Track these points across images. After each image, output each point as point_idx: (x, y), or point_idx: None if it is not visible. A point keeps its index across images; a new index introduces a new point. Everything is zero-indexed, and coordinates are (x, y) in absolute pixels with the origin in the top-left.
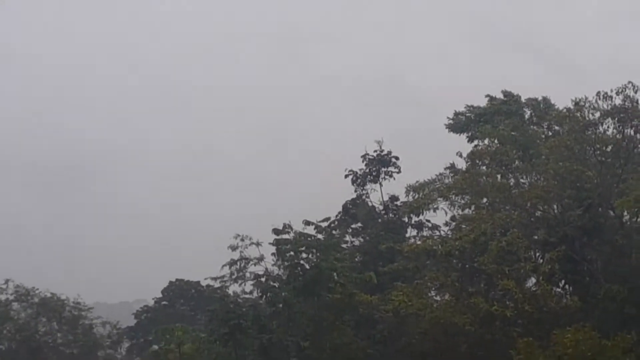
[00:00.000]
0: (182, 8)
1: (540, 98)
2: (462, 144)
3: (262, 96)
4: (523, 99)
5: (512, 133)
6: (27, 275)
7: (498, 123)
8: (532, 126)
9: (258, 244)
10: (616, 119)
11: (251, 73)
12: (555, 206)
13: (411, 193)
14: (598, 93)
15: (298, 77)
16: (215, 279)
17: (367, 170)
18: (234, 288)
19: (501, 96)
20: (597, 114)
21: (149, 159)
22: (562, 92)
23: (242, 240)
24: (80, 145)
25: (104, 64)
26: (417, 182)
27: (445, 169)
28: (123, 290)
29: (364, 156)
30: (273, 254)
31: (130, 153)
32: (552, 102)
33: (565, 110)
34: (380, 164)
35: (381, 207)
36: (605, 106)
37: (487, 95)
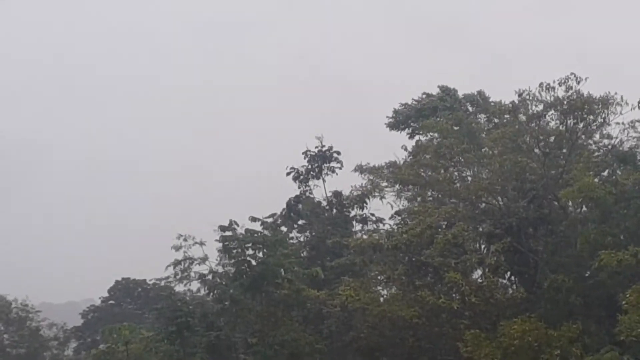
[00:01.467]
0: None
1: (475, 92)
2: (400, 143)
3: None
4: (460, 94)
5: (455, 127)
6: None
7: (439, 118)
8: (474, 118)
9: (202, 244)
10: (559, 110)
11: (177, 67)
12: (500, 198)
13: (358, 173)
14: (541, 84)
15: (226, 74)
16: (160, 279)
17: (309, 167)
18: (179, 288)
19: (437, 91)
20: (541, 106)
21: (83, 157)
22: (488, 82)
23: (185, 240)
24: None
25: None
26: (367, 163)
27: (388, 165)
28: (70, 291)
29: (305, 152)
30: (219, 250)
31: (64, 150)
32: (487, 94)
33: (509, 103)
34: (322, 160)
35: (325, 203)
36: (547, 97)
37: (424, 93)
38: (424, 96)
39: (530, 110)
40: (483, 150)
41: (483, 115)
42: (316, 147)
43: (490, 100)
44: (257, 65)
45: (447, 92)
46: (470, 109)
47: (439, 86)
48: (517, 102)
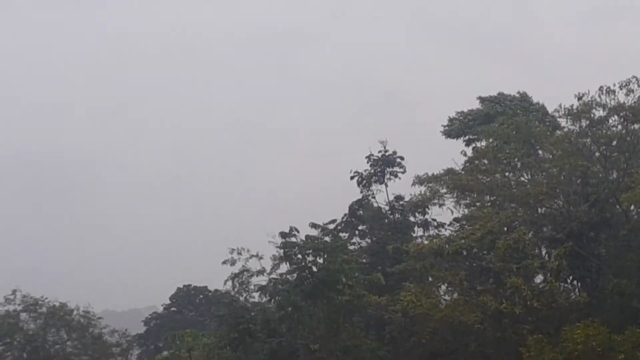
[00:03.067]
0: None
1: (517, 95)
2: (453, 150)
3: (245, 100)
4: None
5: (513, 132)
6: (35, 285)
7: (499, 124)
8: (535, 122)
9: (259, 257)
10: (622, 116)
11: (233, 78)
12: (560, 202)
13: (417, 185)
14: (601, 88)
15: (283, 79)
16: (219, 292)
17: (372, 171)
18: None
19: (491, 99)
20: (601, 110)
21: (146, 170)
22: (534, 90)
23: (240, 253)
24: (77, 158)
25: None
26: (425, 174)
27: (446, 172)
28: (133, 298)
29: (368, 157)
30: (278, 258)
31: (128, 170)
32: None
33: (568, 107)
34: (385, 164)
35: (387, 208)
36: (608, 101)
37: (479, 98)
38: (478, 103)
39: (592, 115)
40: (543, 154)
41: (538, 121)
42: (379, 152)
43: (536, 102)
44: (303, 76)
45: (501, 98)
46: (519, 112)
47: (497, 94)
48: (577, 105)
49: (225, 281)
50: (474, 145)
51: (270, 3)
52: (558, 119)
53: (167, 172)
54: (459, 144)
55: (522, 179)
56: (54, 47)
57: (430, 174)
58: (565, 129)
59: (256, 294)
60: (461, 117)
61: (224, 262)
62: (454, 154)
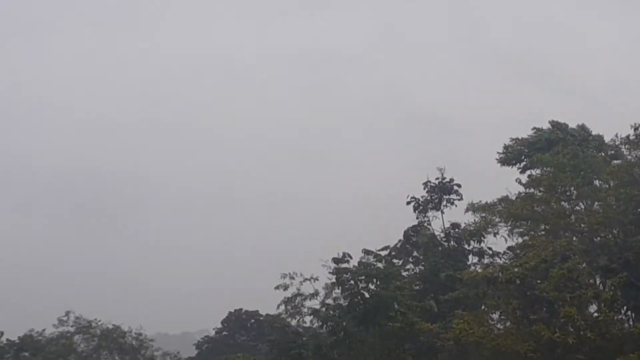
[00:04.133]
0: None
1: (577, 127)
2: (505, 177)
3: (292, 123)
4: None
5: (570, 161)
6: (88, 307)
7: (556, 152)
8: (590, 151)
9: (312, 280)
10: None
11: (279, 97)
12: (616, 232)
13: (470, 212)
14: None
15: (329, 102)
16: (272, 316)
17: (429, 198)
18: (292, 322)
19: (547, 127)
20: None
21: (196, 191)
22: (576, 118)
23: (292, 278)
24: (125, 181)
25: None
26: (479, 201)
27: (500, 199)
28: (186, 322)
29: (425, 183)
30: (330, 283)
31: (178, 189)
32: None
33: (625, 137)
34: (442, 191)
35: (443, 235)
36: None
37: (534, 128)
38: (533, 131)
39: None
40: (598, 183)
41: (594, 150)
42: (437, 179)
43: (594, 133)
44: (352, 99)
45: (558, 127)
46: (578, 143)
47: (550, 122)
48: (632, 135)
49: (278, 305)
50: (529, 172)
51: (316, 25)
52: (614, 149)
53: (217, 193)
54: (506, 170)
55: (578, 208)
56: (106, 68)
57: (483, 202)
58: (622, 159)
59: (308, 318)
60: (516, 144)
61: (277, 288)
62: (502, 181)
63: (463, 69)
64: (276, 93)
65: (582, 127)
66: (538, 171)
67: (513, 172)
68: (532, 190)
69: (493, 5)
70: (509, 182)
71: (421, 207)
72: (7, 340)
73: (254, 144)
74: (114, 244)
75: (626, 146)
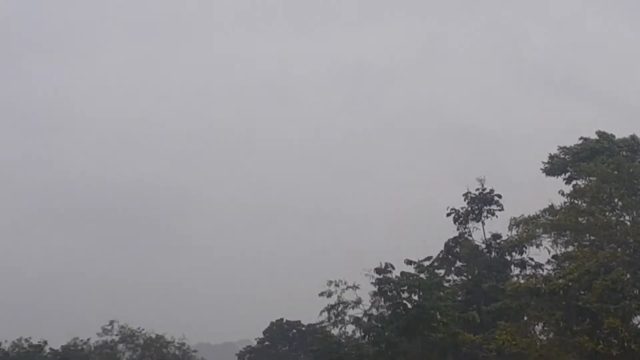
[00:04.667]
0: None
1: (628, 137)
2: (547, 189)
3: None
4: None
5: (614, 172)
6: (132, 318)
7: (598, 162)
8: (635, 162)
9: (355, 287)
10: None
11: (320, 111)
12: None
13: (514, 228)
14: None
15: (366, 115)
16: (315, 324)
17: (469, 209)
18: (334, 332)
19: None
20: None
21: (238, 204)
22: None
23: (337, 285)
24: (167, 190)
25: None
26: (521, 215)
27: (544, 210)
28: (228, 332)
29: (465, 194)
30: (373, 294)
31: (220, 199)
32: None
33: None
34: (482, 202)
35: (484, 246)
36: None
37: (581, 138)
38: (580, 141)
39: None
40: None
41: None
42: (477, 190)
43: None
44: (387, 113)
45: (604, 137)
46: (625, 153)
47: (596, 132)
48: None
49: (321, 312)
50: (574, 183)
51: (356, 38)
52: None
53: (256, 206)
54: (549, 181)
55: (622, 219)
56: (142, 78)
57: (526, 215)
58: None
59: (350, 326)
60: (562, 154)
61: (321, 294)
62: (543, 193)
63: (500, 82)
64: (318, 106)
65: (633, 138)
66: (583, 181)
67: (556, 183)
68: (576, 201)
69: (531, 17)
70: (551, 194)
71: (461, 219)
72: (51, 349)
73: (296, 157)
74: (156, 253)
75: None
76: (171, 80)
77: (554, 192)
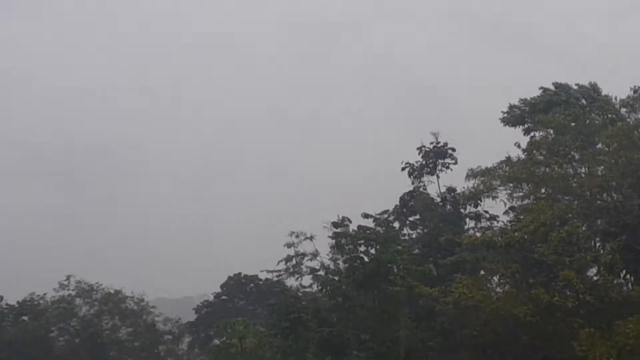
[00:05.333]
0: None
1: (588, 85)
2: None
3: (286, 90)
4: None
5: (571, 123)
6: (88, 272)
7: (555, 113)
8: (589, 114)
9: (312, 238)
10: None
11: (275, 65)
12: (615, 195)
13: (471, 178)
14: None
15: (323, 68)
16: (271, 271)
17: (424, 162)
18: (290, 282)
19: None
20: None
21: (188, 160)
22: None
23: (297, 236)
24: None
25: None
26: (478, 167)
27: (501, 162)
28: (186, 286)
29: (419, 148)
30: (331, 247)
31: (170, 155)
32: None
33: (625, 99)
34: (436, 156)
35: (439, 199)
36: None
37: (541, 88)
38: (540, 91)
39: None
40: (598, 146)
41: (597, 111)
42: (431, 143)
43: (603, 93)
44: (343, 67)
45: (561, 88)
46: (584, 102)
47: (553, 83)
48: (632, 98)
49: (279, 262)
50: (532, 134)
51: None
52: (615, 112)
53: (210, 162)
54: (506, 133)
55: (579, 171)
56: (97, 37)
57: (483, 167)
58: (623, 122)
59: (307, 279)
60: (522, 105)
61: (286, 245)
62: (501, 145)
63: (452, 37)
64: (273, 61)
65: (592, 86)
66: (540, 133)
67: (515, 134)
68: (533, 152)
69: None
70: (508, 146)
71: (416, 172)
72: (7, 304)
73: (250, 112)
74: (109, 210)
75: (626, 108)
76: (118, 38)
77: (511, 144)
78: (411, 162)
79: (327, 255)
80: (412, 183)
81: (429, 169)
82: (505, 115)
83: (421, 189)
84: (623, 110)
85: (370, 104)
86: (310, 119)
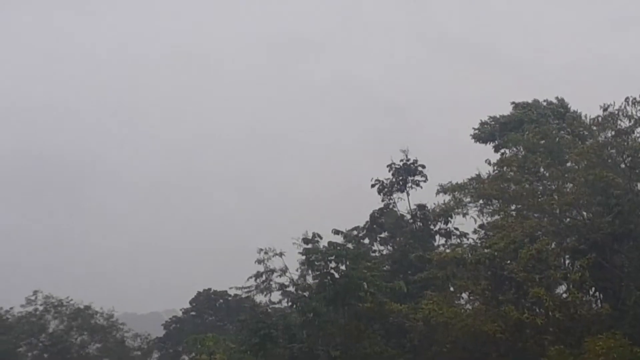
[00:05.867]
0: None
1: (556, 101)
2: (481, 156)
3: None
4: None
5: (541, 141)
6: (56, 288)
7: (525, 131)
8: (558, 132)
9: (281, 255)
10: None
11: (244, 82)
12: (584, 213)
13: (441, 194)
14: (627, 99)
15: (293, 86)
16: (241, 288)
17: (394, 180)
18: (259, 298)
19: (525, 105)
20: (626, 121)
21: (157, 177)
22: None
23: (267, 253)
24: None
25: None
26: (449, 182)
27: (471, 179)
28: (154, 302)
29: (390, 165)
30: (301, 263)
31: (136, 169)
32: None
33: (594, 117)
34: (406, 173)
35: (409, 216)
36: (634, 112)
37: (513, 103)
38: (512, 106)
39: (618, 125)
40: (568, 164)
41: (567, 129)
42: (401, 161)
43: (571, 108)
44: (312, 84)
45: (531, 106)
46: (553, 120)
47: (521, 102)
48: (601, 117)
49: (249, 278)
50: (502, 151)
51: (274, 11)
52: (586, 129)
53: (180, 178)
54: (476, 150)
55: (548, 188)
56: (58, 51)
57: (454, 183)
58: (592, 140)
59: (276, 295)
60: (492, 122)
61: (256, 261)
62: (471, 162)
63: (419, 54)
64: (237, 77)
65: (561, 102)
66: (510, 151)
67: (485, 151)
68: (503, 169)
69: None
70: (479, 162)
71: (386, 189)
72: None
73: (216, 126)
74: (76, 224)
75: (594, 127)
76: (80, 50)
77: (481, 161)
78: (381, 179)
79: (297, 271)
80: (383, 200)
81: (399, 186)
82: (477, 131)
83: (391, 206)
84: (593, 127)
85: (340, 122)
86: (279, 135)
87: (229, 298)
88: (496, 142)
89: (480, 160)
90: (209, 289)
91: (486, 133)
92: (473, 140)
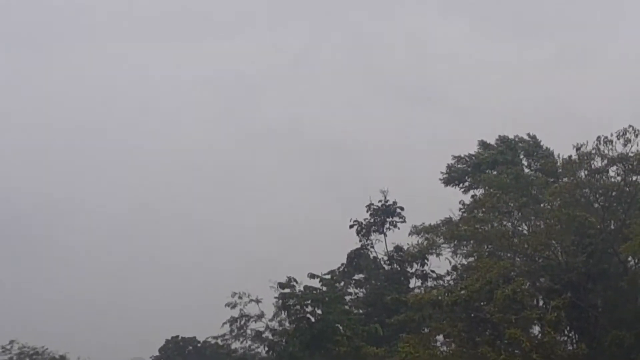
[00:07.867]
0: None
1: (527, 137)
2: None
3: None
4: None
5: (513, 182)
6: (31, 337)
7: (497, 172)
8: (532, 172)
9: (258, 301)
10: (625, 166)
11: (189, 122)
12: (559, 253)
13: (414, 235)
14: (598, 138)
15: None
16: (216, 337)
17: (372, 220)
18: (235, 345)
19: (499, 141)
20: (599, 160)
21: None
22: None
23: (240, 297)
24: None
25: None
26: (422, 224)
27: (444, 220)
28: (122, 350)
29: (368, 206)
30: (277, 307)
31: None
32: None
33: (567, 157)
34: (385, 214)
35: (386, 258)
36: (607, 151)
37: (480, 141)
38: (479, 148)
39: (591, 165)
40: (542, 204)
41: (538, 168)
42: (380, 202)
43: (544, 145)
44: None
45: (505, 143)
46: (528, 162)
47: (497, 138)
48: (575, 156)
49: (223, 324)
50: (472, 193)
51: (209, 51)
52: (558, 168)
53: (146, 219)
54: (443, 193)
55: (521, 228)
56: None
57: (427, 224)
58: (565, 179)
59: (251, 340)
60: (459, 164)
61: (227, 305)
62: (440, 203)
63: (365, 95)
64: (188, 118)
65: (533, 139)
66: (481, 191)
67: (454, 192)
68: (475, 211)
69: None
70: (450, 204)
71: (364, 230)
72: None
73: (168, 167)
74: (42, 270)
75: (567, 167)
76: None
77: (449, 202)
78: (359, 220)
79: (272, 314)
80: (360, 241)
81: (376, 227)
82: (445, 175)
83: (369, 247)
84: (566, 167)
85: (289, 165)
86: (229, 176)
87: (198, 344)
88: (466, 183)
89: (448, 201)
90: (177, 336)
91: (455, 176)
92: (443, 184)
